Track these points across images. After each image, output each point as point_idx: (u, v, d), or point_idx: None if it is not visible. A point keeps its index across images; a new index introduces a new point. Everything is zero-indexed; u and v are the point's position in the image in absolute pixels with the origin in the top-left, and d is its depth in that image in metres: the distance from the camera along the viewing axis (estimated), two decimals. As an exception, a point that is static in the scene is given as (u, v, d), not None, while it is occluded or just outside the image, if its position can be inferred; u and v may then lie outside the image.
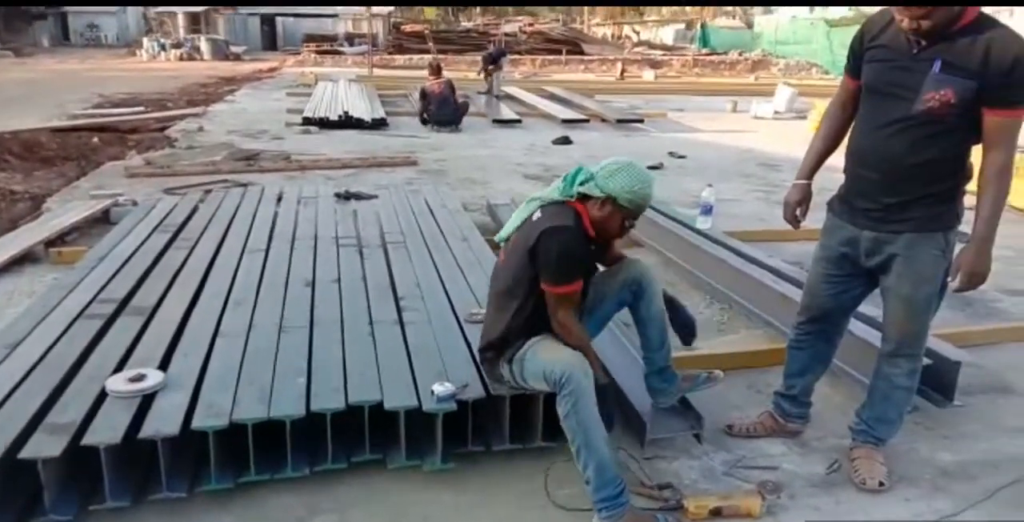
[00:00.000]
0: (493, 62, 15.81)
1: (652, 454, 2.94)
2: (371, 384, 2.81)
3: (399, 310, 3.54)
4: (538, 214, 2.63)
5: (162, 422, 2.53)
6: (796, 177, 2.88)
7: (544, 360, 2.55)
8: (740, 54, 32.32)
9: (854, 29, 2.78)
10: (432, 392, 2.72)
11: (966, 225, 2.59)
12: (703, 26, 38.51)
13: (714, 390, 3.06)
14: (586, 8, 47.93)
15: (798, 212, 2.88)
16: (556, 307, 2.59)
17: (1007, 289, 5.06)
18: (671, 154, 9.92)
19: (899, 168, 2.49)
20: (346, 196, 5.75)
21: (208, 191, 6.09)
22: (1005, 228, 7.00)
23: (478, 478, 2.78)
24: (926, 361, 3.15)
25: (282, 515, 2.57)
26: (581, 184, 2.61)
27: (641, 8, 52.73)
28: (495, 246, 5.16)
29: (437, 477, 2.74)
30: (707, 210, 5.35)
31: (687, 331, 3.00)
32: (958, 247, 2.59)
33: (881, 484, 2.73)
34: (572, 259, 2.55)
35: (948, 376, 3.24)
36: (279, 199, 5.69)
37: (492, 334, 2.72)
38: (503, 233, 2.80)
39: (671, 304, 2.96)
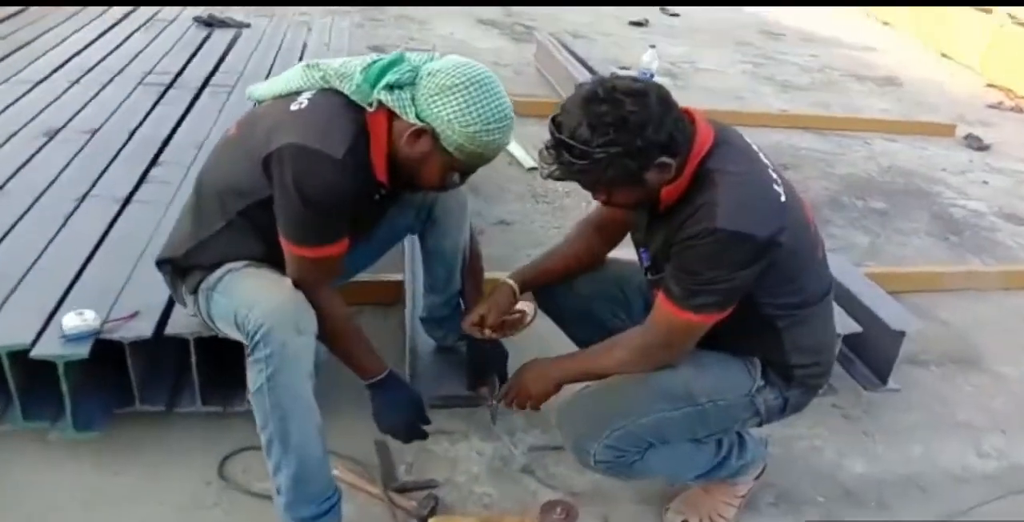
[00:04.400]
0: None
1: (433, 428, 2.01)
2: (-13, 303, 1.84)
3: (141, 181, 2.51)
4: (304, 102, 1.55)
5: None
6: (512, 275, 1.89)
7: (239, 298, 1.55)
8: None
9: None
10: (60, 326, 1.74)
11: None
12: None
13: (530, 336, 2.08)
14: None
15: (480, 321, 1.85)
16: (298, 274, 1.58)
17: (1012, 214, 3.99)
18: (663, 10, 8.46)
19: None
20: (207, 22, 4.55)
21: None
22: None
23: (149, 452, 1.86)
24: (855, 327, 2.18)
25: None
26: (389, 88, 1.51)
27: None
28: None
29: (85, 449, 1.83)
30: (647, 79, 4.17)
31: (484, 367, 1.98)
32: None
33: None
34: (327, 212, 1.52)
35: (886, 350, 2.26)
36: (123, 18, 4.50)
37: (177, 247, 1.70)
38: (257, 91, 1.72)
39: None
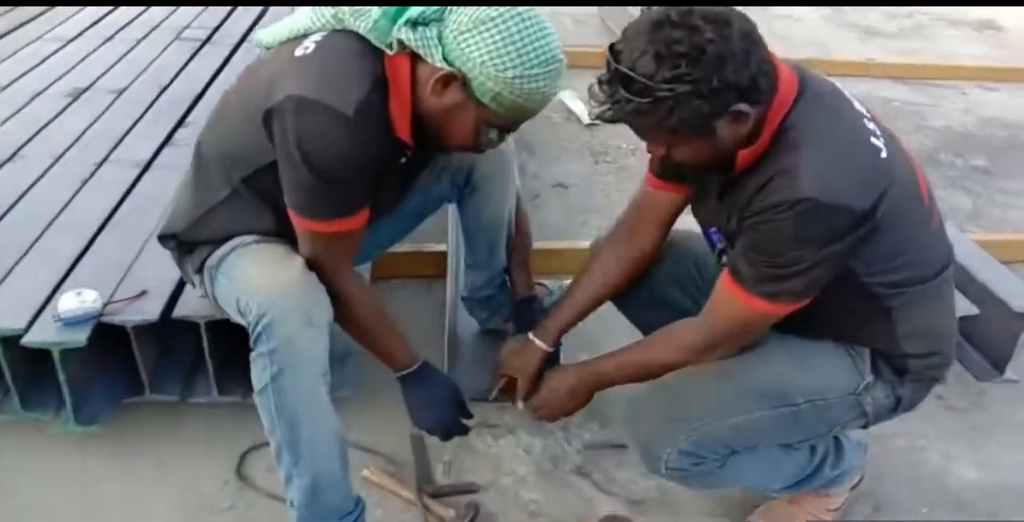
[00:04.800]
0: None
1: (475, 422, 1.79)
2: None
3: (164, 144, 2.32)
4: (311, 46, 1.29)
5: None
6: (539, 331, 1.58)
7: (241, 281, 1.34)
8: None
9: None
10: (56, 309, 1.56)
11: None
12: None
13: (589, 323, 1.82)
14: None
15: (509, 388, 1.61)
16: (311, 252, 1.35)
17: None
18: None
19: None
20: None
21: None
22: None
23: (160, 446, 1.70)
24: (970, 308, 1.87)
25: None
26: (412, 25, 1.24)
27: None
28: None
29: (91, 442, 1.68)
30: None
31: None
32: None
33: None
34: (338, 179, 1.26)
35: (1004, 335, 1.93)
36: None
37: (178, 221, 1.49)
38: (264, 37, 1.46)
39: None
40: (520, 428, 1.80)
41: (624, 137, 3.42)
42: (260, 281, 1.28)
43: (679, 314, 1.53)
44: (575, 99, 3.65)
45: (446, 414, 1.52)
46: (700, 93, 1.09)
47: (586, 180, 3.09)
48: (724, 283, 1.25)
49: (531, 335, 1.56)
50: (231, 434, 1.71)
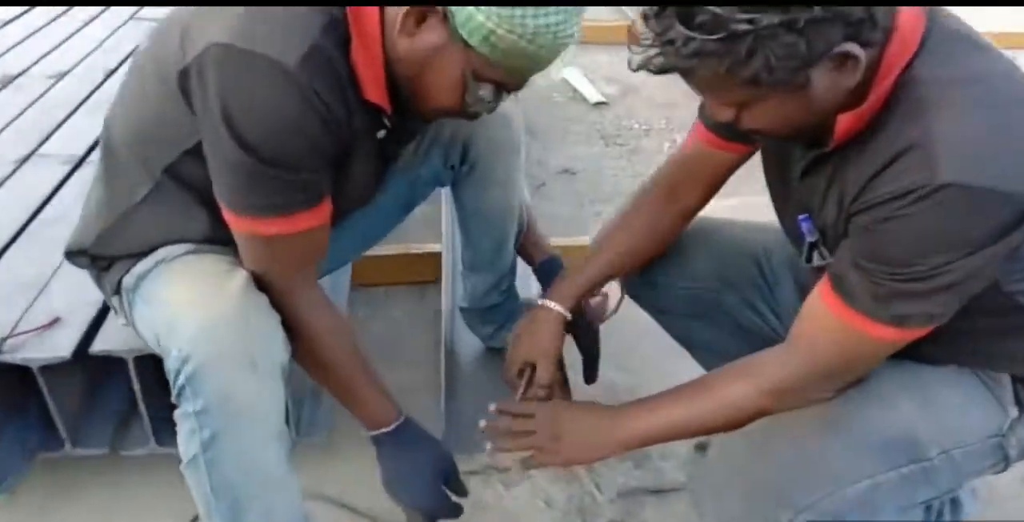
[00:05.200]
0: None
1: (485, 464, 1.46)
2: None
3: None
4: None
5: None
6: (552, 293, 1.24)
7: (160, 310, 1.00)
8: None
9: None
10: (-63, 347, 1.22)
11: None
12: None
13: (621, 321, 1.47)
14: None
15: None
16: (255, 264, 1.02)
17: None
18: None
19: None
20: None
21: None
22: None
23: (89, 512, 1.36)
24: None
25: None
26: None
27: None
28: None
29: (1, 508, 1.34)
30: None
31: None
32: None
33: None
34: (282, 160, 0.93)
35: None
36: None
37: (87, 231, 1.14)
38: None
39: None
40: (538, 472, 1.46)
41: (636, 116, 3.07)
42: (183, 311, 0.94)
43: (730, 324, 1.22)
44: (581, 77, 3.30)
45: (430, 490, 1.16)
46: (793, 25, 0.74)
47: (596, 165, 2.76)
48: (825, 303, 0.91)
49: (542, 300, 1.22)
50: (177, 495, 1.36)
